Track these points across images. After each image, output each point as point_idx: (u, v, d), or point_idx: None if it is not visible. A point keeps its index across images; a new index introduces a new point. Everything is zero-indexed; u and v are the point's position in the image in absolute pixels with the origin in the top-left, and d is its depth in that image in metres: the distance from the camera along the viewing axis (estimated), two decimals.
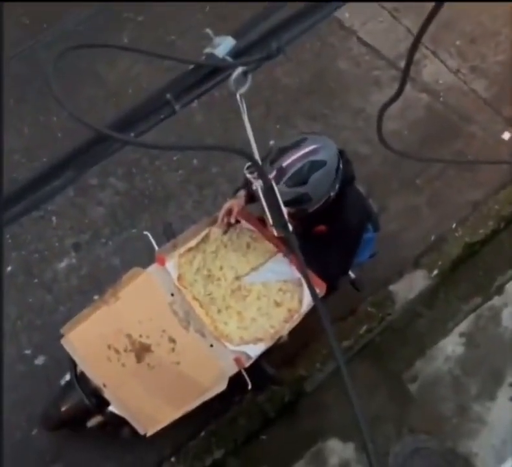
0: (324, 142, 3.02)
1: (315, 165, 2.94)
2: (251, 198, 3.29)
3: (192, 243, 3.30)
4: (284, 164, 2.93)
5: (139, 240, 4.23)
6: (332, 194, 3.07)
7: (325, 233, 3.26)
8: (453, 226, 4.56)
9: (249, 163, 2.34)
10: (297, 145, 2.97)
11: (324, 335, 1.93)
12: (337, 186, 3.07)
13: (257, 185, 2.37)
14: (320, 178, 2.97)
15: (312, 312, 3.39)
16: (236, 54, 1.70)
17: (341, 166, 3.07)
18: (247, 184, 3.24)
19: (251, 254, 3.37)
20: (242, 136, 2.00)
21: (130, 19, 5.01)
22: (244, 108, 1.87)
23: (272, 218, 2.57)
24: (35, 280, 4.21)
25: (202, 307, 3.21)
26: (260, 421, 4.03)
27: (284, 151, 2.97)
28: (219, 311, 3.25)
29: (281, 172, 2.93)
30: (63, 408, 3.56)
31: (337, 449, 4.04)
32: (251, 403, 4.02)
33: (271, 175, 2.92)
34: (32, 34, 4.66)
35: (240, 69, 1.70)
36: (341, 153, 3.24)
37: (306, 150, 2.94)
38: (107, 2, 3.38)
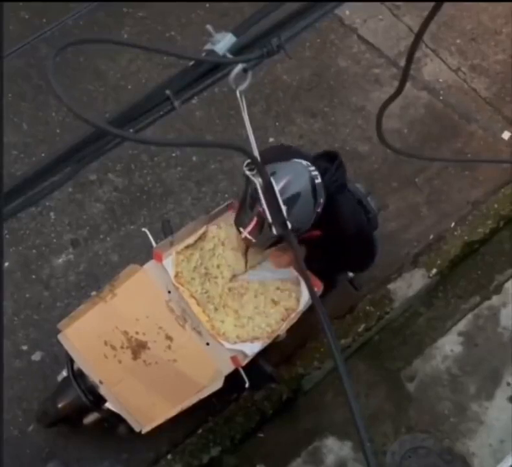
0: (293, 170, 2.93)
1: (290, 201, 2.83)
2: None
3: (190, 240, 3.28)
4: (261, 209, 2.82)
5: (137, 237, 4.22)
6: (319, 210, 3.01)
7: (321, 237, 3.22)
8: (453, 224, 4.55)
9: (248, 160, 2.32)
10: None
11: (322, 332, 1.93)
12: (321, 201, 2.99)
13: (256, 182, 2.36)
14: (299, 210, 2.90)
15: (310, 310, 3.39)
16: (237, 51, 1.69)
17: (318, 181, 2.98)
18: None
19: (249, 252, 3.35)
20: (241, 133, 1.99)
21: (130, 14, 4.99)
22: (243, 105, 1.86)
23: (271, 216, 2.57)
24: (33, 276, 4.20)
25: (199, 305, 3.20)
26: (257, 419, 4.02)
27: (257, 192, 2.85)
28: (216, 309, 3.23)
29: (260, 218, 2.87)
30: (59, 405, 3.54)
31: (335, 448, 4.03)
32: (249, 401, 4.01)
33: (253, 223, 2.91)
34: (32, 28, 4.64)
35: (239, 66, 1.70)
36: (334, 157, 3.18)
37: (278, 188, 2.75)
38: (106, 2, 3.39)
